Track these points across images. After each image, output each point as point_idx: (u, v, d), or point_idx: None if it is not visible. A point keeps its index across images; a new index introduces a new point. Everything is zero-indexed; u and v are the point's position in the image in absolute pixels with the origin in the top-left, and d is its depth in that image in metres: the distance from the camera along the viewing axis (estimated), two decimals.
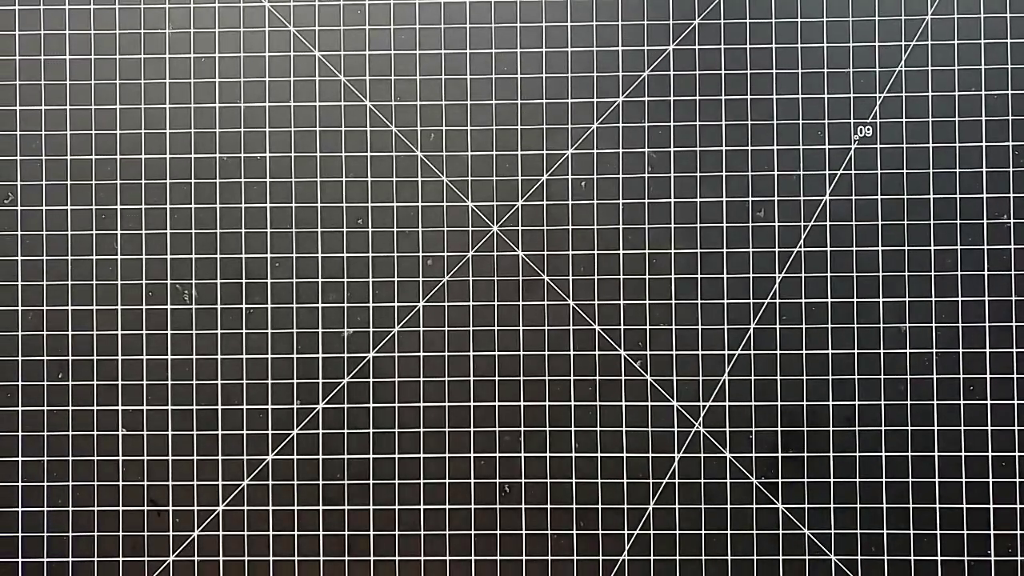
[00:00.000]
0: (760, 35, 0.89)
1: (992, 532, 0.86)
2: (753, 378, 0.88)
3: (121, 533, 0.88)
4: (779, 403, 0.87)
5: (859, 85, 0.88)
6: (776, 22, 0.89)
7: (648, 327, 0.88)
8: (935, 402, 0.87)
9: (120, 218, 0.89)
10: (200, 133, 0.90)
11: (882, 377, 0.87)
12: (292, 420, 0.89)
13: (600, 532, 0.88)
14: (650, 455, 0.88)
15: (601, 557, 0.88)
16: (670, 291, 0.88)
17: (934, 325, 0.87)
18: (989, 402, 0.87)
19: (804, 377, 0.87)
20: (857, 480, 0.87)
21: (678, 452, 0.88)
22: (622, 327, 0.88)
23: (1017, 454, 0.87)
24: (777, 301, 0.88)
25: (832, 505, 0.87)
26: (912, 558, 0.87)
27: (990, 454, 0.87)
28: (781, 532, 0.87)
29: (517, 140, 0.89)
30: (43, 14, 0.90)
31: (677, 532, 0.87)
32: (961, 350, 0.87)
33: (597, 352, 0.88)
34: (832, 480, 0.87)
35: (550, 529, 0.88)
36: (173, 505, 0.88)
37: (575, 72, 0.89)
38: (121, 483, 0.89)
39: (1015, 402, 0.87)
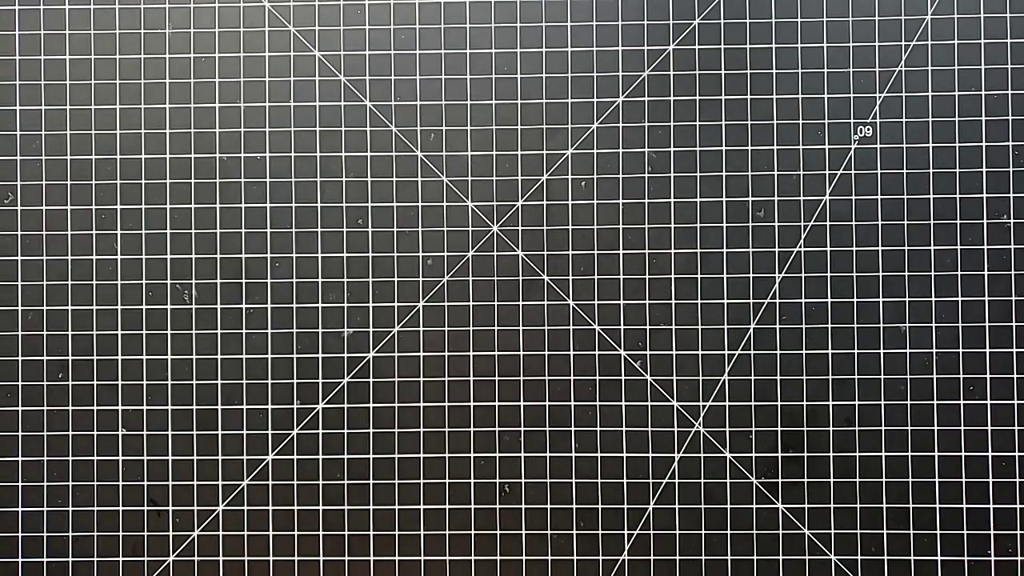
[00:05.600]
0: (760, 35, 0.89)
1: (992, 532, 0.86)
2: (753, 378, 0.88)
3: (121, 533, 0.88)
4: (779, 403, 0.87)
5: (859, 85, 0.88)
6: (776, 22, 0.89)
7: (648, 327, 0.88)
8: (935, 402, 0.87)
9: (120, 218, 0.89)
10: (200, 133, 0.90)
11: (882, 377, 0.87)
12: (292, 420, 0.89)
13: (600, 532, 0.88)
14: (650, 455, 0.88)
15: (601, 557, 0.88)
16: (670, 291, 0.88)
17: (934, 325, 0.87)
18: (989, 402, 0.87)
19: (804, 377, 0.87)
20: (857, 480, 0.87)
21: (678, 452, 0.88)
22: (622, 327, 0.88)
23: (1017, 454, 0.87)
24: (777, 301, 0.88)
25: (832, 505, 0.87)
26: (912, 558, 0.87)
27: (990, 454, 0.87)
28: (781, 532, 0.87)
29: (517, 140, 0.89)
30: (43, 14, 0.91)
31: (677, 532, 0.87)
32: (961, 350, 0.87)
33: (597, 352, 0.88)
34: (832, 480, 0.87)
35: (550, 529, 0.88)
36: (173, 505, 0.88)
37: (575, 72, 0.89)
38: (121, 483, 0.89)
39: (1015, 402, 0.87)
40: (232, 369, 0.89)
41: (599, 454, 0.88)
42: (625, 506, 0.88)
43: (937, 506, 0.87)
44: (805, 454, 0.87)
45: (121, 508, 0.89)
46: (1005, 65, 0.88)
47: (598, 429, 0.88)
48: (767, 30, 0.89)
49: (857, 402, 0.87)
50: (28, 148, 0.90)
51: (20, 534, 0.89)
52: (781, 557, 0.87)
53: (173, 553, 0.88)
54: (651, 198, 0.89)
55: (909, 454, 0.87)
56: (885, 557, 0.87)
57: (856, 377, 0.87)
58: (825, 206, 0.88)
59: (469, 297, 0.89)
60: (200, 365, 0.89)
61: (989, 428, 0.87)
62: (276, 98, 0.90)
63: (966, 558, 0.86)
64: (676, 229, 0.88)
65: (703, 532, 0.87)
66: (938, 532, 0.87)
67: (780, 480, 0.87)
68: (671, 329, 0.88)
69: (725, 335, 0.88)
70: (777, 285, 0.88)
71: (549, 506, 0.88)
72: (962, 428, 0.87)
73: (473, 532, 0.88)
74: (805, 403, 0.87)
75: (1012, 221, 0.87)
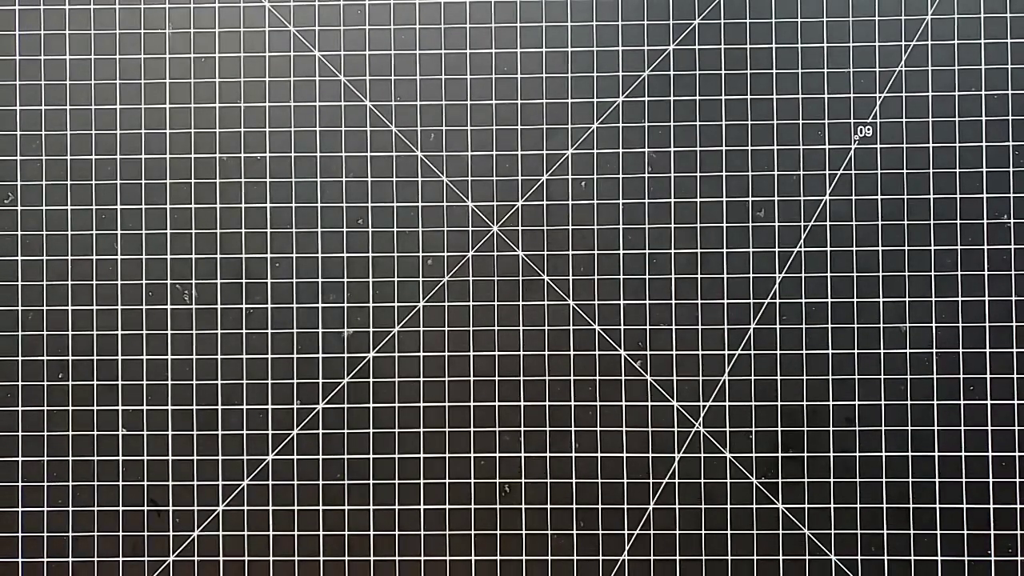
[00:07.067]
0: (760, 35, 0.89)
1: (992, 532, 0.86)
2: (753, 378, 0.88)
3: (121, 533, 0.88)
4: (779, 403, 0.87)
5: (859, 85, 0.88)
6: (776, 22, 0.89)
7: (648, 327, 0.88)
8: (935, 402, 0.87)
9: (120, 218, 0.89)
10: (200, 133, 0.90)
11: (882, 377, 0.87)
12: (292, 420, 0.89)
13: (600, 532, 0.88)
14: (650, 455, 0.88)
15: (601, 557, 0.88)
16: (670, 291, 0.88)
17: (934, 325, 0.87)
18: (989, 402, 0.87)
19: (804, 377, 0.87)
20: (857, 480, 0.87)
21: (678, 452, 0.88)
22: (622, 327, 0.88)
23: (1017, 454, 0.87)
24: (777, 301, 0.88)
25: (832, 505, 0.87)
26: (912, 558, 0.87)
27: (990, 454, 0.87)
28: (781, 532, 0.87)
29: (517, 140, 0.89)
30: (43, 14, 0.91)
31: (677, 532, 0.87)
32: (961, 350, 0.87)
33: (597, 352, 0.88)
34: (832, 480, 0.87)
35: (550, 529, 0.88)
36: (173, 505, 0.88)
37: (575, 72, 0.89)
38: (121, 483, 0.89)
39: (1015, 402, 0.87)
40: (232, 369, 0.89)
41: (599, 454, 0.88)
42: (625, 506, 0.88)
43: (937, 506, 0.87)
44: (805, 454, 0.87)
45: (121, 508, 0.89)
46: (1005, 65, 0.88)
47: (598, 429, 0.88)
48: (767, 30, 0.89)
49: (857, 402, 0.87)
50: (28, 148, 0.90)
51: (20, 534, 0.89)
52: (781, 557, 0.87)
53: (173, 553, 0.88)
54: (651, 198, 0.89)
55: (909, 454, 0.87)
56: (885, 557, 0.87)
57: (856, 377, 0.87)
58: (825, 206, 0.88)
59: (469, 297, 0.89)
60: (200, 365, 0.89)
61: (989, 428, 0.87)
62: (276, 98, 0.90)
63: (966, 558, 0.86)
64: (676, 229, 0.88)
65: (703, 532, 0.87)
66: (938, 532, 0.87)
67: (780, 480, 0.87)
68: (671, 329, 0.88)
69: (725, 335, 0.88)
70: (777, 285, 0.88)
71: (549, 506, 0.88)
72: (962, 428, 0.87)
73: (473, 532, 0.88)
74: (805, 403, 0.87)
75: (1012, 221, 0.87)
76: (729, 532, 0.87)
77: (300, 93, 0.90)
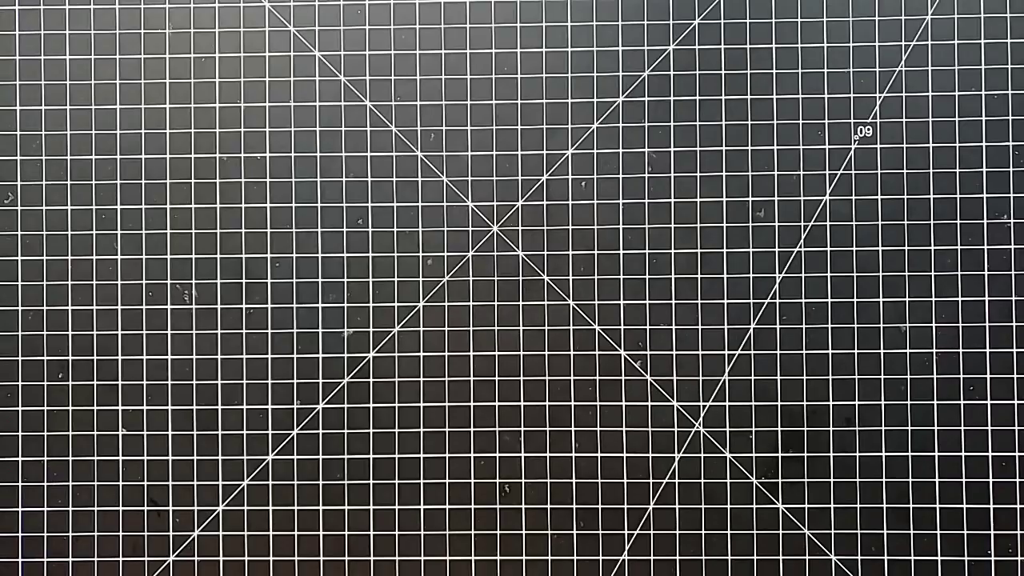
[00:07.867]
0: (760, 35, 0.89)
1: (992, 532, 0.87)
2: (753, 378, 0.88)
3: (121, 533, 0.88)
4: (779, 403, 0.87)
5: (859, 85, 0.88)
6: (776, 22, 0.89)
7: (648, 327, 0.88)
8: (935, 402, 0.87)
9: (120, 218, 0.89)
10: (200, 133, 0.90)
11: (882, 377, 0.87)
12: (292, 420, 0.89)
13: (600, 532, 0.88)
14: (650, 455, 0.88)
15: (601, 557, 0.88)
16: (670, 291, 0.88)
17: (934, 325, 0.87)
18: (989, 402, 0.87)
19: (804, 377, 0.87)
20: (857, 480, 0.87)
21: (678, 452, 0.88)
22: (622, 327, 0.88)
23: (1017, 454, 0.87)
24: (777, 301, 0.88)
25: (832, 505, 0.87)
26: (912, 558, 0.87)
27: (990, 454, 0.87)
28: (781, 532, 0.87)
29: (517, 140, 0.89)
30: (43, 14, 0.91)
31: (677, 532, 0.87)
32: (961, 350, 0.87)
33: (597, 352, 0.88)
34: (832, 480, 0.87)
35: (550, 529, 0.88)
36: (173, 505, 0.88)
37: (575, 72, 0.89)
38: (121, 483, 0.89)
39: (1015, 402, 0.87)
40: (232, 369, 0.89)
41: (599, 454, 0.88)
42: (625, 506, 0.88)
43: (937, 506, 0.87)
44: (805, 454, 0.87)
45: (121, 508, 0.89)
46: (1005, 65, 0.88)
47: (598, 429, 0.88)
48: (767, 30, 0.89)
49: (857, 402, 0.87)
50: (28, 148, 0.90)
51: (20, 534, 0.89)
52: (781, 557, 0.87)
53: (173, 553, 0.88)
54: (651, 198, 0.89)
55: (909, 454, 0.87)
56: (885, 557, 0.87)
57: (856, 377, 0.87)
58: (825, 206, 0.88)
59: (469, 297, 0.89)
60: (200, 365, 0.89)
61: (989, 428, 0.87)
62: (276, 98, 0.90)
63: (966, 558, 0.86)
64: (676, 229, 0.88)
65: (703, 532, 0.87)
66: (938, 532, 0.87)
67: (780, 480, 0.87)
68: (671, 329, 0.88)
69: (725, 335, 0.88)
70: (777, 285, 0.88)
71: (549, 506, 0.88)
72: (962, 428, 0.87)
73: (473, 532, 0.88)
74: (805, 403, 0.87)
75: (1012, 221, 0.87)
76: (729, 532, 0.87)
77: (300, 93, 0.90)
